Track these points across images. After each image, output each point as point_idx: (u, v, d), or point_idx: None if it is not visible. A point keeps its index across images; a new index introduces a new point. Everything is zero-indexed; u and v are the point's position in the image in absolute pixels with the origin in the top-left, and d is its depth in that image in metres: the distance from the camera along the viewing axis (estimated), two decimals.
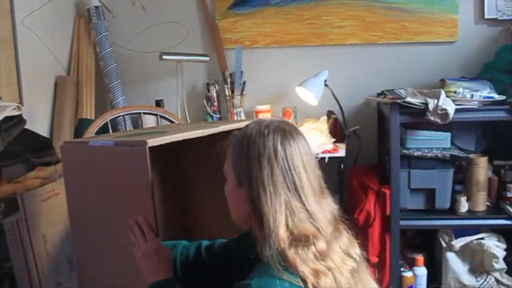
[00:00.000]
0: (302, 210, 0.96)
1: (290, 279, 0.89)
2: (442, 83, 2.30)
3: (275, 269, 0.89)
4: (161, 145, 1.12)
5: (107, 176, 1.22)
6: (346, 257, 0.98)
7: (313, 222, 0.96)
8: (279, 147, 0.98)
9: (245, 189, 0.99)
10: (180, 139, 1.18)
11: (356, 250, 1.03)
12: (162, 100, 2.62)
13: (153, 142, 1.08)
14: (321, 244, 0.94)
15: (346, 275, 0.95)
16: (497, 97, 2.12)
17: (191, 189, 1.66)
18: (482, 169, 2.13)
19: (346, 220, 1.06)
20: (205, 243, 1.32)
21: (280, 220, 0.93)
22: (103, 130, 2.10)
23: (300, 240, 0.93)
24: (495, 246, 2.12)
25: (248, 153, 0.99)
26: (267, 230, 0.93)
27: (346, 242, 1.02)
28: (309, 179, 0.99)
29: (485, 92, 2.14)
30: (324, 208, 1.00)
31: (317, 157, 2.14)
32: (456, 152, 2.18)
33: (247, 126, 1.05)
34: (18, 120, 1.76)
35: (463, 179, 2.21)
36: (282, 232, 0.92)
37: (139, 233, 1.12)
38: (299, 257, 0.91)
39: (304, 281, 0.89)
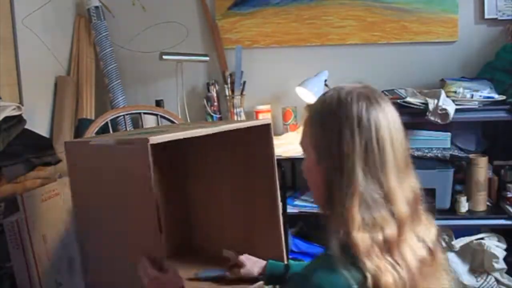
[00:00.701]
0: (379, 191, 0.85)
1: (351, 273, 0.80)
2: (442, 83, 2.30)
3: (339, 261, 0.80)
4: (162, 145, 1.13)
5: (109, 175, 1.22)
6: (420, 246, 0.87)
7: (388, 205, 0.84)
8: (363, 115, 0.86)
9: (323, 166, 0.89)
10: (181, 137, 1.18)
11: (431, 237, 0.90)
12: (162, 100, 2.62)
13: (154, 139, 1.08)
14: (390, 232, 0.83)
15: (413, 271, 0.83)
16: (497, 97, 2.12)
17: (193, 188, 1.66)
18: (482, 169, 2.13)
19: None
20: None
21: (353, 200, 0.83)
22: (103, 130, 2.09)
23: (368, 225, 0.82)
24: (495, 246, 2.12)
25: (328, 125, 0.88)
26: (337, 210, 0.84)
27: (423, 228, 0.90)
28: (395, 153, 0.87)
29: (485, 92, 2.14)
30: (404, 187, 0.88)
31: None
32: (456, 152, 2.18)
33: (325, 94, 0.93)
34: (18, 120, 1.76)
35: (463, 179, 2.21)
36: (354, 214, 0.82)
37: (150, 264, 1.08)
38: (365, 245, 0.81)
39: (364, 275, 0.80)
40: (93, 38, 2.62)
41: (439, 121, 2.05)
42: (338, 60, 2.59)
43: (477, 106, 2.11)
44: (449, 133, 2.20)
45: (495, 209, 2.18)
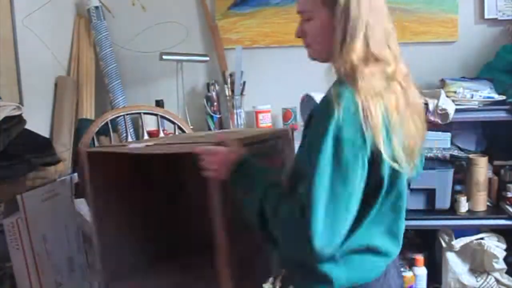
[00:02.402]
0: (381, 30, 1.06)
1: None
2: (442, 83, 2.30)
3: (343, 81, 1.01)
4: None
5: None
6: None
7: (389, 45, 1.07)
8: None
9: (337, 18, 1.07)
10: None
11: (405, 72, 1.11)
12: (162, 100, 2.62)
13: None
14: (391, 68, 1.04)
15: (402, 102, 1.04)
16: (497, 97, 2.13)
17: None
18: (482, 169, 2.13)
19: None
20: None
21: (358, 35, 1.03)
22: (103, 130, 2.09)
23: (370, 59, 1.03)
24: (495, 246, 2.12)
25: None
26: (346, 41, 1.04)
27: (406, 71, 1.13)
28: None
29: (485, 92, 2.14)
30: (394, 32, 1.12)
31: None
32: (456, 152, 2.18)
33: None
34: (18, 120, 1.76)
35: (463, 179, 2.21)
36: (358, 45, 1.02)
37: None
38: (369, 72, 1.00)
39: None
40: (93, 38, 2.62)
41: (439, 121, 2.05)
42: None
43: (477, 106, 2.11)
44: (449, 133, 2.20)
45: (495, 209, 2.18)
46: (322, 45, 1.15)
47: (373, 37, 1.04)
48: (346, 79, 1.01)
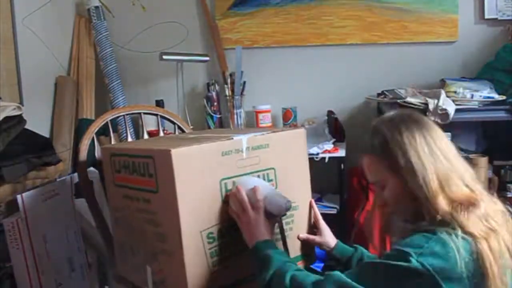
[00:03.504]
0: (452, 174, 1.04)
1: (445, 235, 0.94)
2: (442, 83, 2.30)
3: (434, 231, 0.95)
4: None
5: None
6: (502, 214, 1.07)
7: (466, 184, 1.05)
8: (420, 135, 1.06)
9: (411, 184, 1.03)
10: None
11: (500, 206, 1.11)
12: (162, 100, 2.62)
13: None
14: (482, 205, 1.02)
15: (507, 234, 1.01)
16: (497, 97, 2.13)
17: None
18: (482, 169, 2.12)
19: None
20: None
21: (435, 189, 1.01)
22: (103, 130, 2.09)
23: (460, 204, 1.00)
24: None
25: (400, 151, 1.05)
26: (426, 202, 1.00)
27: (492, 198, 1.12)
28: (450, 148, 1.08)
29: (485, 92, 2.14)
30: (468, 169, 1.10)
31: (317, 157, 2.17)
32: None
33: (377, 129, 1.11)
34: (18, 120, 1.76)
35: None
36: (441, 200, 0.99)
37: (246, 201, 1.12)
38: (467, 218, 0.97)
39: (474, 241, 0.94)
40: (93, 38, 2.62)
41: (439, 121, 2.05)
42: (338, 60, 2.59)
43: (477, 106, 2.11)
44: (449, 133, 2.20)
45: None
46: (406, 209, 1.09)
47: (448, 184, 1.02)
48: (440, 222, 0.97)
